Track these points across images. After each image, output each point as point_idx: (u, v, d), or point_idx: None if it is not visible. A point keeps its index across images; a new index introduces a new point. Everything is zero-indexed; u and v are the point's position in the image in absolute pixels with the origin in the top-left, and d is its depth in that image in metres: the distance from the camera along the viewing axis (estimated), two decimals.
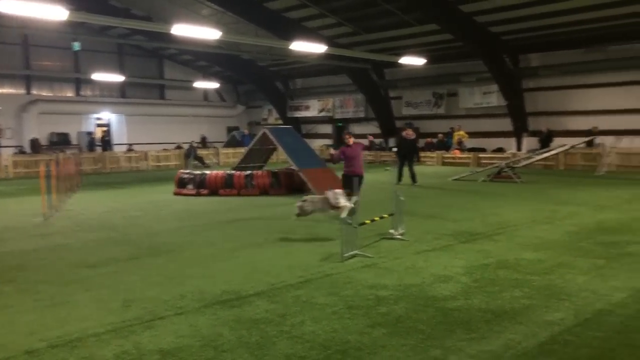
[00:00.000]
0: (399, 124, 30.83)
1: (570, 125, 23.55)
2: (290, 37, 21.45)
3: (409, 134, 17.08)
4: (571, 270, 6.28)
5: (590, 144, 20.13)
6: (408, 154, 16.82)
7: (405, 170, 16.56)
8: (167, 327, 4.76)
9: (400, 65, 25.48)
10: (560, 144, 21.02)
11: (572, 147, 20.07)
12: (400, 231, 8.39)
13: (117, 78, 29.46)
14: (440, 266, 6.63)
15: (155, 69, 35.24)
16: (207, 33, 17.41)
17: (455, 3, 21.48)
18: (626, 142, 19.88)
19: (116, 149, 30.58)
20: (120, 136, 32.78)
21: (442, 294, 5.51)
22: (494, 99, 26.01)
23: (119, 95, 33.18)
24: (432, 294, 5.54)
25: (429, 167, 24.88)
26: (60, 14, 13.65)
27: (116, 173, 24.95)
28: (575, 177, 18.51)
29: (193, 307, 5.26)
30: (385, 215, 8.34)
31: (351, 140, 11.04)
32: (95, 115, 32.33)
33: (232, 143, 32.16)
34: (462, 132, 26.38)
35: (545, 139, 23.20)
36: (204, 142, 28.99)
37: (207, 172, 15.47)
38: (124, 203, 13.59)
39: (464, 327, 4.58)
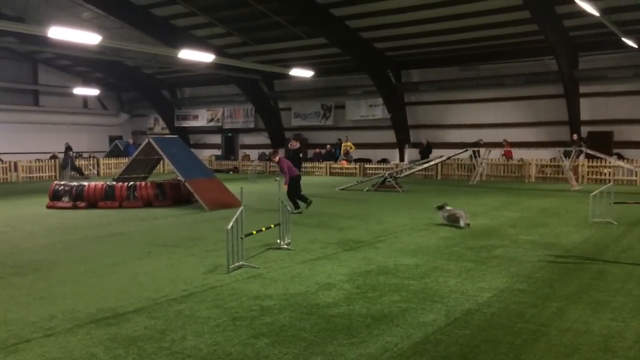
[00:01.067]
0: (288, 134, 31.18)
1: (447, 137, 25.17)
2: (177, 45, 20.98)
3: (293, 144, 17.12)
4: (444, 274, 6.69)
5: (476, 155, 21.37)
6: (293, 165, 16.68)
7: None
8: (34, 350, 4.40)
9: (290, 76, 25.83)
10: (438, 155, 22.41)
11: (449, 158, 21.45)
12: (287, 241, 8.46)
13: None
14: (324, 274, 6.76)
15: (28, 74, 32.74)
16: (86, 37, 16.50)
17: (343, 19, 22.22)
18: (495, 154, 21.64)
19: None
20: None
21: (326, 302, 5.62)
22: (379, 111, 27.20)
23: None
24: (315, 301, 5.63)
25: (317, 177, 25.37)
26: None
27: None
28: (452, 186, 19.80)
29: (64, 328, 4.91)
30: (272, 226, 8.37)
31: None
32: None
33: (114, 153, 30.62)
34: (349, 143, 27.23)
35: (425, 151, 24.63)
36: (66, 151, 27.03)
37: (85, 183, 14.58)
38: None
39: (345, 333, 4.70)
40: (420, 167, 21.26)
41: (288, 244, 8.41)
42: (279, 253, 8.03)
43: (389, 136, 27.09)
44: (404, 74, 26.85)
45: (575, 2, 14.67)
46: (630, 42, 19.02)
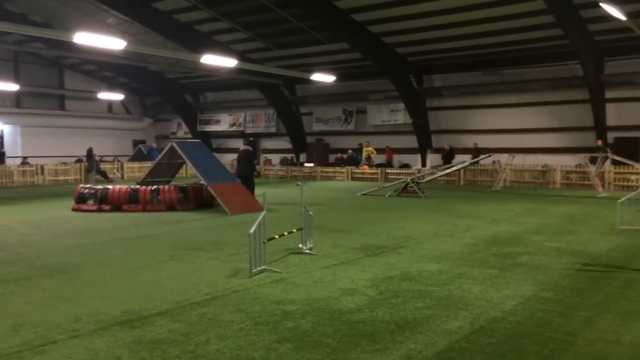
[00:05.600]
0: (310, 139, 31.23)
1: (470, 142, 24.93)
2: (200, 50, 21.17)
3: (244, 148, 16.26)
4: (468, 281, 6.60)
5: (476, 160, 21.28)
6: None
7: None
8: (60, 351, 4.46)
9: (311, 81, 25.90)
10: (461, 161, 22.23)
11: (471, 164, 21.26)
12: (309, 246, 8.45)
13: (11, 87, 27.51)
14: (347, 279, 6.73)
15: (54, 79, 33.35)
16: (111, 43, 16.75)
17: (364, 24, 22.22)
18: (519, 160, 21.35)
19: (9, 162, 28.46)
20: (14, 148, 30.64)
21: (348, 307, 5.59)
22: (401, 116, 27.07)
23: (13, 105, 31.03)
24: (338, 307, 5.60)
25: (339, 182, 25.34)
26: None
27: (8, 188, 23.21)
28: (474, 192, 19.59)
29: (89, 330, 4.97)
30: (294, 230, 8.37)
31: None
32: None
33: (138, 157, 31.01)
34: (370, 148, 27.16)
35: (448, 156, 24.43)
36: (89, 155, 27.61)
37: (110, 186, 14.79)
38: (16, 220, 12.64)
39: (368, 339, 4.66)
40: (443, 173, 21.08)
41: (310, 249, 8.40)
42: (301, 258, 8.03)
43: (411, 141, 26.94)
44: (425, 79, 26.71)
45: (600, 6, 14.44)
46: None
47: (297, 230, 8.41)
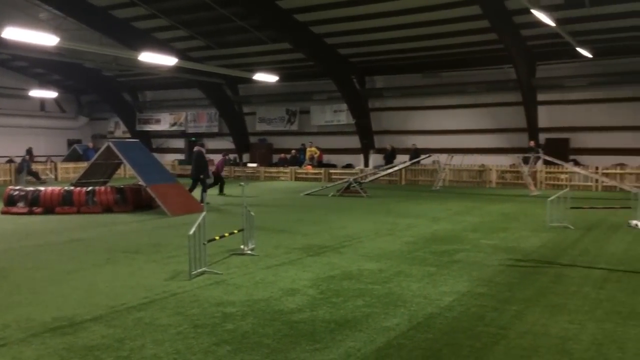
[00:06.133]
0: (253, 139, 31.03)
1: (410, 143, 25.45)
2: (138, 48, 20.61)
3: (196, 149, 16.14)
4: (407, 278, 6.74)
5: (417, 160, 21.79)
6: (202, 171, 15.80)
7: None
8: None
9: (254, 81, 25.72)
10: (402, 161, 22.67)
11: (412, 164, 21.72)
12: (251, 246, 8.39)
13: None
14: (288, 280, 6.72)
15: None
16: (43, 38, 16.05)
17: (307, 24, 22.28)
18: (457, 160, 21.99)
19: None
20: None
21: (289, 307, 5.58)
22: (344, 117, 27.33)
23: None
24: (279, 307, 5.58)
25: (283, 182, 25.30)
26: None
27: None
28: (415, 191, 20.02)
29: (17, 338, 4.73)
30: (235, 231, 8.28)
31: None
32: None
33: (73, 157, 29.83)
34: (313, 149, 27.27)
35: (390, 156, 24.86)
36: (30, 156, 26.49)
37: (42, 188, 14.15)
38: None
39: (308, 339, 4.67)
40: (384, 173, 21.44)
41: (252, 250, 8.34)
42: (243, 259, 7.95)
43: (354, 141, 27.25)
44: (368, 80, 27.08)
45: (532, 13, 15.09)
46: (584, 52, 19.68)
47: (239, 231, 8.33)
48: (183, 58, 23.25)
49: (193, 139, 32.81)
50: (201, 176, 15.47)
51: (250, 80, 26.16)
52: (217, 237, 7.66)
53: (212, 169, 17.85)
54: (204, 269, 7.00)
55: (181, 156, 33.16)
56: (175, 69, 24.31)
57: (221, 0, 20.46)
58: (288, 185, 23.08)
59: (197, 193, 15.16)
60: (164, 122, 33.67)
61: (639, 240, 9.36)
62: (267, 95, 29.51)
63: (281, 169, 27.19)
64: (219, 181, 18.42)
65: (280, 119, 29.72)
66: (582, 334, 4.68)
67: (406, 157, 23.45)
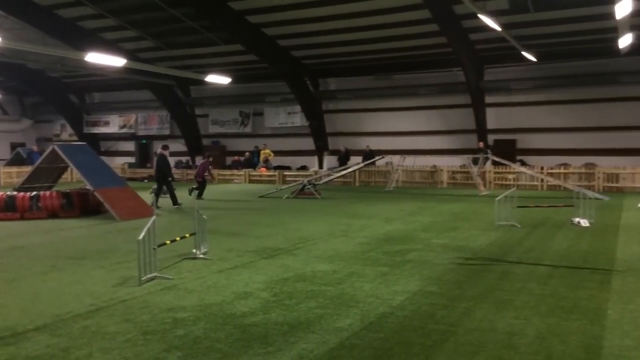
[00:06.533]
0: (206, 141, 30.65)
1: (364, 145, 25.71)
2: (85, 48, 20.04)
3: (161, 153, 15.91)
4: (360, 279, 6.79)
5: (373, 162, 22.10)
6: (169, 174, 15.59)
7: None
8: None
9: (207, 83, 25.42)
10: (355, 162, 22.88)
11: (365, 165, 21.95)
12: (203, 250, 8.27)
13: None
14: (241, 283, 6.66)
15: None
16: None
17: (259, 26, 22.18)
18: (409, 161, 22.38)
19: None
20: None
21: (242, 311, 5.53)
22: (298, 119, 27.36)
23: None
24: (231, 311, 5.52)
25: (236, 185, 25.09)
26: None
27: None
28: (369, 192, 20.23)
29: None
30: (187, 235, 8.15)
31: None
32: None
33: (16, 161, 28.67)
34: (267, 151, 27.17)
35: (343, 158, 25.04)
36: None
37: None
38: None
39: (261, 342, 4.64)
40: (339, 174, 21.57)
41: (204, 254, 8.22)
42: (195, 263, 7.83)
43: (308, 143, 27.30)
44: (321, 82, 27.20)
45: (479, 17, 15.52)
46: (529, 56, 20.38)
47: (191, 235, 8.20)
48: (132, 59, 22.74)
49: (143, 141, 32.14)
50: (169, 179, 15.25)
51: (202, 82, 25.85)
52: (168, 242, 7.52)
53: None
54: (154, 274, 6.85)
55: (131, 159, 32.42)
56: (124, 70, 23.76)
57: (171, 1, 20.12)
58: (242, 188, 22.90)
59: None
60: (113, 125, 32.84)
61: (581, 237, 9.75)
62: (220, 97, 29.22)
63: (235, 171, 26.95)
64: (202, 185, 17.85)
65: (233, 121, 29.48)
66: (527, 329, 4.83)
67: (360, 159, 23.68)
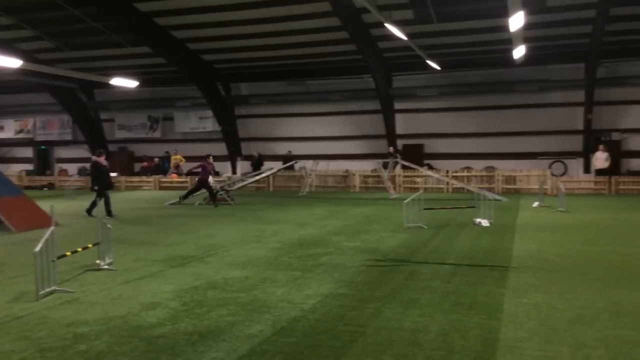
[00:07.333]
0: (112, 147, 29.40)
1: (278, 150, 25.78)
2: None
3: (104, 160, 15.26)
4: (273, 284, 6.78)
5: (291, 167, 22.34)
6: (109, 183, 15.19)
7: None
8: None
9: (112, 86, 24.37)
10: (269, 167, 22.85)
11: (279, 170, 21.99)
12: (108, 261, 7.90)
13: None
14: (149, 293, 6.43)
15: None
16: None
17: (167, 28, 21.63)
18: (323, 166, 22.68)
19: None
20: None
21: (149, 322, 5.34)
22: (210, 124, 26.94)
23: None
24: (138, 323, 5.32)
25: (146, 192, 24.24)
26: None
27: None
28: (283, 197, 20.26)
29: None
30: (90, 245, 7.76)
31: None
32: None
33: None
34: (178, 156, 26.50)
35: (257, 163, 24.94)
36: None
37: None
38: None
39: (168, 353, 4.51)
40: (252, 180, 21.43)
41: (109, 264, 7.86)
42: (99, 274, 7.47)
43: (221, 149, 26.92)
44: (233, 87, 26.97)
45: (386, 26, 16.05)
46: (434, 65, 21.35)
47: (94, 245, 7.81)
48: (30, 60, 21.38)
49: (43, 147, 30.30)
50: (96, 187, 14.31)
51: (107, 85, 24.74)
52: (68, 253, 7.12)
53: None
54: (53, 287, 6.46)
55: (29, 166, 30.43)
56: (21, 71, 22.26)
57: (72, 0, 19.14)
58: (152, 195, 22.16)
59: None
60: (8, 129, 30.71)
61: (482, 236, 10.32)
62: (127, 100, 28.13)
63: (144, 178, 26.02)
64: (209, 190, 17.19)
65: (141, 125, 28.51)
66: (431, 326, 5.04)
67: (274, 164, 23.67)
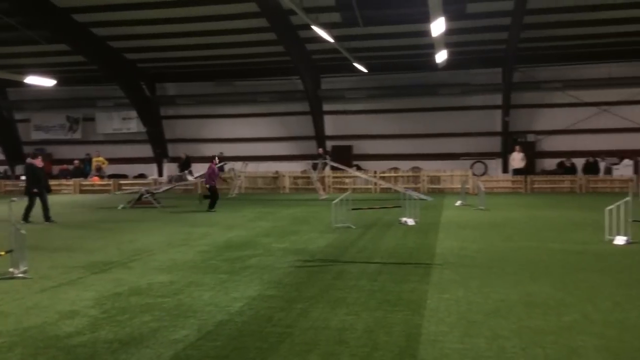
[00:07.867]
0: (27, 149, 27.82)
1: (205, 151, 25.34)
2: None
3: (40, 162, 14.63)
4: (199, 288, 6.65)
5: (221, 168, 22.02)
6: (46, 185, 14.38)
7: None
8: None
9: (27, 85, 23.07)
10: (196, 170, 22.40)
11: (201, 175, 21.59)
12: (22, 269, 7.47)
13: None
14: (67, 302, 6.14)
15: None
16: None
17: (87, 25, 20.77)
18: (252, 167, 22.52)
19: None
20: None
21: (67, 331, 5.10)
22: (134, 124, 26.09)
23: None
24: (55, 333, 5.07)
25: (65, 196, 23.12)
26: None
27: None
28: None
29: None
30: (2, 253, 7.31)
31: None
32: None
33: None
34: (101, 159, 25.47)
35: (184, 165, 24.37)
36: None
37: None
38: None
39: None
40: (181, 183, 20.94)
41: (24, 272, 7.43)
42: (12, 283, 7.05)
43: (146, 150, 26.15)
44: (159, 87, 26.27)
45: (313, 29, 16.18)
46: (361, 67, 21.74)
47: (7, 252, 7.37)
48: None
49: None
50: (34, 191, 13.43)
51: (22, 84, 23.41)
52: None
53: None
54: None
55: None
56: None
57: None
58: (72, 199, 21.18)
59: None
60: None
61: (407, 235, 10.62)
62: (43, 100, 26.73)
63: (63, 181, 24.80)
64: (213, 193, 16.08)
65: (60, 126, 27.20)
66: (357, 324, 5.12)
67: (201, 166, 23.20)
